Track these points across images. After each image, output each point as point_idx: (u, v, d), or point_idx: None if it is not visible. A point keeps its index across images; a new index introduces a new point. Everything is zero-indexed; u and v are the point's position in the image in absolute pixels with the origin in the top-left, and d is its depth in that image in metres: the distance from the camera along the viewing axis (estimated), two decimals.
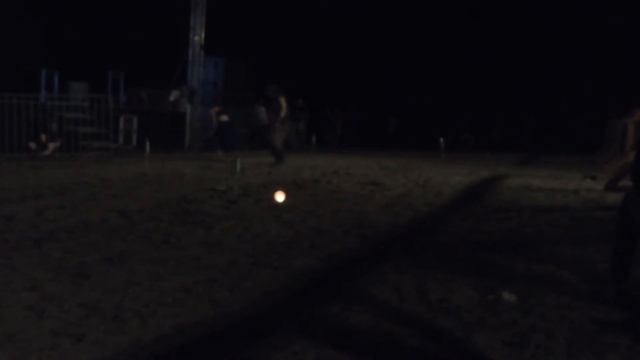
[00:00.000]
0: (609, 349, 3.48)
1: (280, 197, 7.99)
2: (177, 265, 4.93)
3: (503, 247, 5.86)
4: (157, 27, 21.71)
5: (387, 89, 25.85)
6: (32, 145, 13.06)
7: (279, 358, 3.25)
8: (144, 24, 22.38)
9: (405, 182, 10.70)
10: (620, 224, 4.34)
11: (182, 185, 9.33)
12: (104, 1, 22.92)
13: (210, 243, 5.71)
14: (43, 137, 13.23)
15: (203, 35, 17.03)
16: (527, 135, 23.74)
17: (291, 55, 24.39)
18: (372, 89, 25.58)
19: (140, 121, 15.65)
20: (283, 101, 12.63)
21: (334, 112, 22.53)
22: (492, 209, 8.24)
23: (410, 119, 24.68)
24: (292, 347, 3.36)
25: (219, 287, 4.40)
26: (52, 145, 13.35)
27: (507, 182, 11.31)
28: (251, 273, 4.79)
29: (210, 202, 7.83)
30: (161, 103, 18.32)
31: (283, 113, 12.63)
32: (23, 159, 12.08)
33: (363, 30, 24.99)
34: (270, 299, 4.22)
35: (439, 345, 3.51)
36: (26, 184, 8.80)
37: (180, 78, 17.74)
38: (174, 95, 17.70)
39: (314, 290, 4.50)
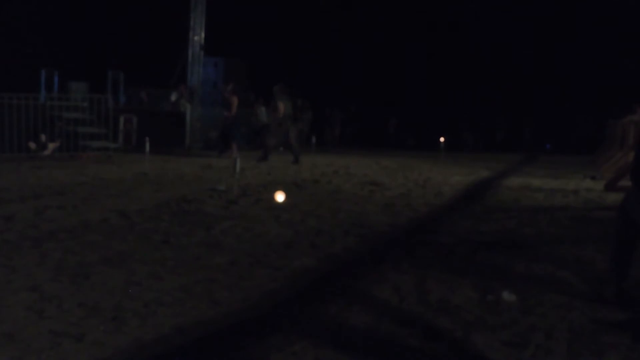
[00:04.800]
0: (609, 349, 3.48)
1: (280, 197, 7.99)
2: (177, 265, 4.92)
3: (503, 247, 5.87)
4: (157, 27, 21.72)
5: (387, 88, 25.86)
6: (32, 145, 13.05)
7: (279, 358, 3.25)
8: (144, 24, 22.38)
9: (405, 182, 10.70)
10: (620, 223, 4.34)
11: (182, 185, 9.33)
12: (104, 1, 22.93)
13: (210, 243, 5.70)
14: (43, 137, 13.22)
15: (203, 35, 17.02)
16: (528, 136, 23.76)
17: (291, 55, 24.39)
18: (372, 89, 25.59)
19: (140, 121, 15.64)
20: (281, 104, 13.07)
21: (334, 112, 22.52)
22: (492, 209, 8.24)
23: (410, 119, 24.68)
24: (291, 347, 3.36)
25: (219, 287, 4.40)
26: (52, 145, 13.34)
27: (507, 182, 11.32)
28: (251, 273, 4.79)
29: (210, 202, 7.83)
30: (161, 103, 18.31)
31: (280, 114, 13.17)
32: (23, 159, 12.07)
33: (363, 30, 24.99)
34: (270, 299, 4.22)
35: (439, 345, 3.52)
36: (26, 184, 8.80)
37: (180, 78, 17.74)
38: (174, 95, 17.70)
39: (314, 290, 4.50)
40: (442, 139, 16.85)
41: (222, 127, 14.50)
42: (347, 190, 9.46)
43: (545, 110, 24.32)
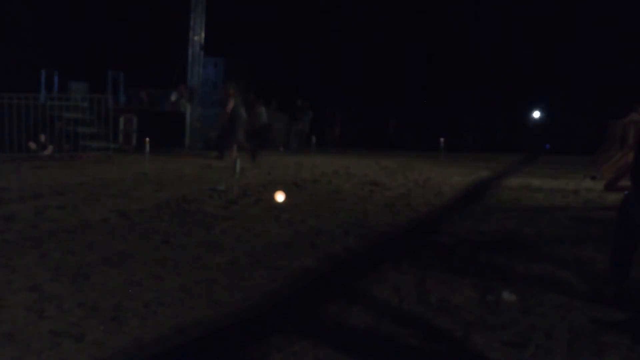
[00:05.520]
0: (609, 349, 3.48)
1: (280, 197, 8.00)
2: (177, 265, 4.92)
3: (503, 247, 5.86)
4: (157, 27, 21.73)
5: (387, 89, 25.87)
6: (32, 145, 13.05)
7: (279, 358, 3.25)
8: (144, 24, 22.40)
9: (405, 182, 10.70)
10: (620, 223, 4.35)
11: (182, 185, 9.33)
12: (104, 1, 22.95)
13: (210, 243, 5.70)
14: (43, 137, 13.22)
15: (203, 35, 17.02)
16: (528, 136, 23.78)
17: (291, 55, 24.40)
18: (372, 89, 25.60)
19: (140, 121, 15.64)
20: (231, 102, 13.16)
21: (334, 112, 22.52)
22: (492, 209, 8.24)
23: (410, 119, 24.70)
24: (291, 347, 3.36)
25: (219, 287, 4.40)
26: (52, 146, 13.34)
27: (507, 182, 11.32)
28: (251, 273, 4.79)
29: (210, 202, 7.83)
30: (161, 103, 18.30)
31: (228, 110, 13.09)
32: (23, 159, 12.06)
33: (363, 30, 25.00)
34: (270, 299, 4.22)
35: (439, 345, 3.51)
36: (26, 184, 8.79)
37: (180, 78, 17.73)
38: (174, 95, 17.71)
39: (314, 290, 4.50)
40: (442, 139, 16.87)
41: (220, 126, 14.45)
42: (347, 190, 9.46)
43: (545, 110, 24.33)
